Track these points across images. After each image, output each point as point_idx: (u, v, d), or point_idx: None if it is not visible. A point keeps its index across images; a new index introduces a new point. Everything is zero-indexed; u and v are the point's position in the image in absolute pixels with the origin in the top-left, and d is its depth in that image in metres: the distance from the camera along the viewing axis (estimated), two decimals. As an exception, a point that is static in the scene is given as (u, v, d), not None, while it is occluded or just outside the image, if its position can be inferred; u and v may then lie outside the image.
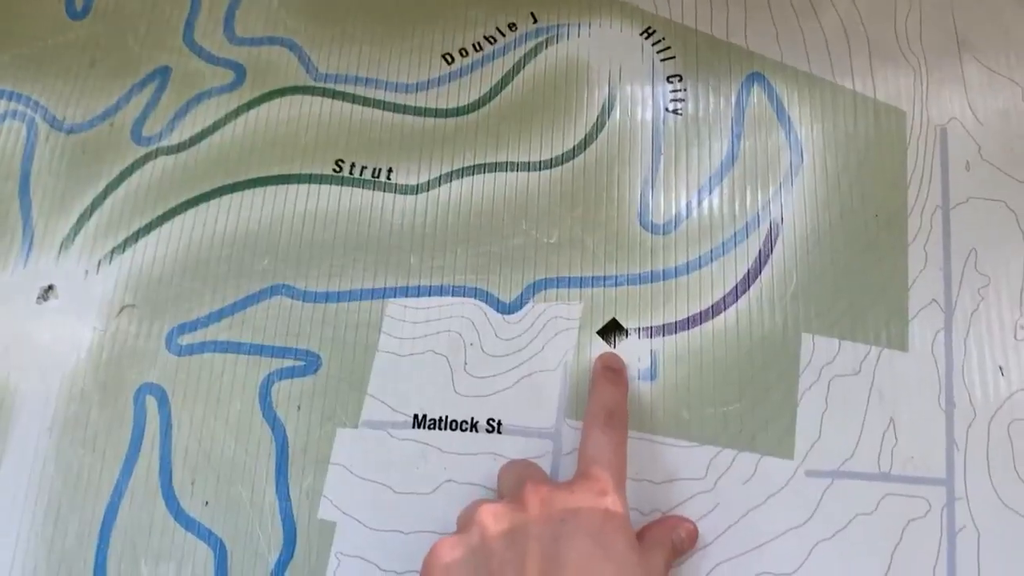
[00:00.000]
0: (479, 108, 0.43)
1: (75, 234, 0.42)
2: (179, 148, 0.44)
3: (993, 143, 0.41)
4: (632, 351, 0.38)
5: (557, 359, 0.38)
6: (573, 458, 0.36)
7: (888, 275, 0.39)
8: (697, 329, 0.38)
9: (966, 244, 0.39)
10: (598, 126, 0.42)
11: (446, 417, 0.38)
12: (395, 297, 0.40)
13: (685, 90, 0.43)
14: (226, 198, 0.42)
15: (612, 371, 0.37)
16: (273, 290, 0.40)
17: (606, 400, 0.35)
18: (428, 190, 0.42)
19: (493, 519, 0.30)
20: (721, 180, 0.41)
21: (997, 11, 0.44)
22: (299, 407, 0.38)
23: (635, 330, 0.38)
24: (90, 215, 0.43)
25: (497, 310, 0.39)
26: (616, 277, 0.39)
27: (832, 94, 0.42)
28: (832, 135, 0.41)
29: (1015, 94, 0.42)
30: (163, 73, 0.45)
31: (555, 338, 0.39)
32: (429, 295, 0.40)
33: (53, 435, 0.39)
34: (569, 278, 0.40)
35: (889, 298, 0.38)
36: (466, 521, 0.31)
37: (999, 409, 0.37)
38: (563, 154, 0.42)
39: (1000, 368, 0.37)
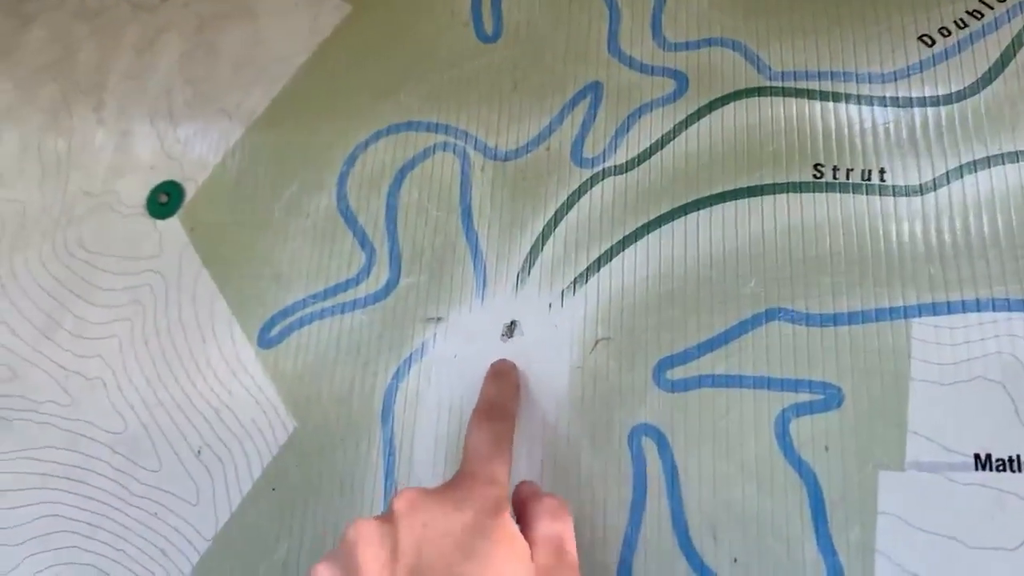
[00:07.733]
0: (979, 91, 0.37)
1: (530, 266, 0.40)
2: (628, 167, 0.40)
3: None
4: None
5: None
6: None
7: None
8: None
9: None
10: None
11: (1017, 457, 0.31)
12: (919, 316, 0.34)
13: None
14: (692, 216, 0.38)
15: (497, 372, 0.37)
16: (769, 315, 0.36)
17: (489, 394, 0.36)
18: (935, 189, 0.36)
19: (361, 534, 0.29)
20: None
21: None
22: (827, 447, 0.33)
23: None
24: (543, 244, 0.40)
25: (1051, 326, 0.33)
26: None
27: None
28: None
29: None
30: (594, 89, 0.42)
31: None
32: (963, 311, 0.34)
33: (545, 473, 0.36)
34: None
35: None
36: (338, 540, 0.30)
37: None
38: (1102, 136, 0.35)
39: None
